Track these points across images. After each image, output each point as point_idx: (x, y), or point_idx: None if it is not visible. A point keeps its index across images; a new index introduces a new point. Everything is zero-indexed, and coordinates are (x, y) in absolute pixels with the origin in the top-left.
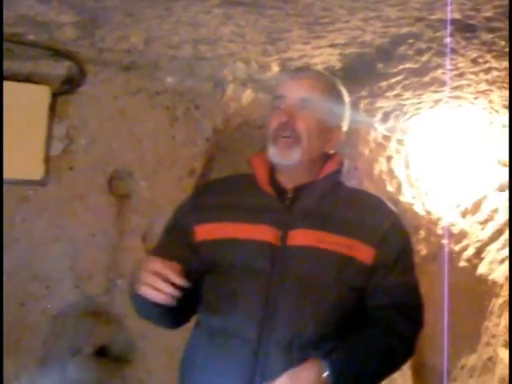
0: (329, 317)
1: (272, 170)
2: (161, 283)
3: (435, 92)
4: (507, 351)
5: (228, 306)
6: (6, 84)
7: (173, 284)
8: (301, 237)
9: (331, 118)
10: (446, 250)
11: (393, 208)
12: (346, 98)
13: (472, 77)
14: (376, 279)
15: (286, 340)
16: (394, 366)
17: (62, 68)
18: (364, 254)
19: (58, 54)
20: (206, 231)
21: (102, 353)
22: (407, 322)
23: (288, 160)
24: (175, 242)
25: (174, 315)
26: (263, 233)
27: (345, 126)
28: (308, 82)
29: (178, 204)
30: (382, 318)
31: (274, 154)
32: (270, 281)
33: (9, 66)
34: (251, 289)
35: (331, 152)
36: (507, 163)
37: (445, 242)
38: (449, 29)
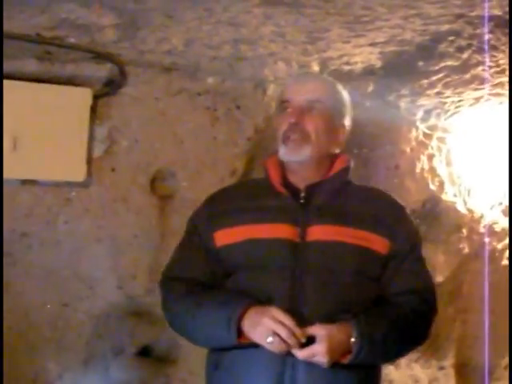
0: (351, 306)
1: (283, 171)
2: (286, 334)
3: (476, 89)
4: None
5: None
6: (48, 87)
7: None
8: (319, 232)
9: (336, 118)
10: (487, 248)
11: (400, 202)
12: (348, 97)
13: None
14: (392, 268)
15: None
16: (414, 343)
17: (103, 70)
18: (379, 245)
19: (99, 56)
20: (225, 236)
21: (144, 353)
22: (424, 304)
23: (299, 156)
24: (196, 254)
25: None
26: (283, 231)
27: (348, 125)
28: (311, 84)
29: (190, 216)
30: (401, 302)
31: (284, 153)
32: (294, 276)
33: (50, 69)
34: (276, 286)
35: (338, 152)
36: None
37: (487, 240)
38: (487, 25)
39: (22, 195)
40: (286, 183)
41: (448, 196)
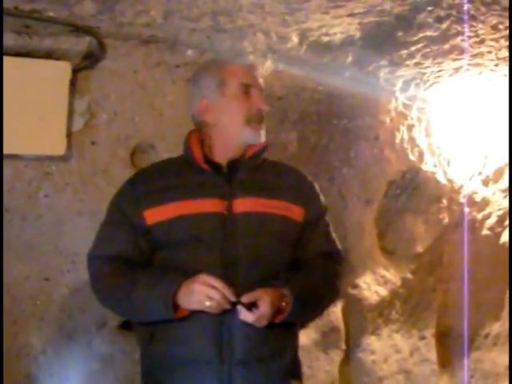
0: (277, 271)
1: (202, 147)
2: (220, 296)
3: (455, 60)
4: None
5: (191, 273)
6: (26, 61)
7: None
8: (245, 204)
9: None
10: (466, 218)
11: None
12: None
13: (492, 43)
14: (306, 234)
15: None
16: (332, 298)
17: (82, 43)
18: (297, 213)
19: (77, 29)
20: (157, 214)
21: (126, 325)
22: (336, 265)
23: (259, 140)
24: (123, 232)
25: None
26: (211, 205)
27: None
28: (259, 74)
29: (114, 196)
30: (317, 264)
31: (250, 135)
32: (225, 247)
33: (28, 42)
34: (209, 257)
35: None
36: None
37: (466, 210)
38: None
39: (4, 170)
40: (207, 159)
41: (428, 166)
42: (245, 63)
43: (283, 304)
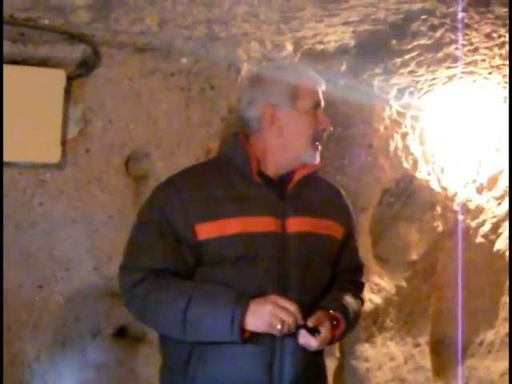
0: (322, 290)
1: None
2: (292, 320)
3: (449, 68)
4: None
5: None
6: (21, 68)
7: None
8: (297, 224)
9: None
10: (460, 226)
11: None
12: None
13: (486, 51)
14: (342, 249)
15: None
16: (360, 311)
17: (76, 51)
18: (338, 231)
19: (72, 37)
20: (211, 229)
21: (121, 333)
22: (360, 278)
23: (317, 162)
24: (167, 243)
25: None
26: (267, 224)
27: None
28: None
29: (152, 200)
30: (347, 279)
31: (311, 156)
32: (280, 267)
33: (23, 50)
34: (265, 277)
35: None
36: None
37: (460, 217)
38: (461, 4)
39: None
40: (259, 172)
41: (422, 174)
42: (318, 78)
43: (339, 331)
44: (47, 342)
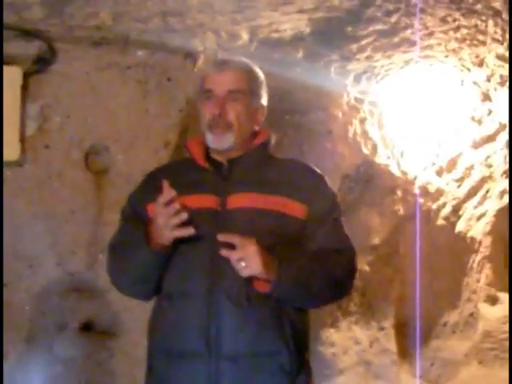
0: None
1: (207, 149)
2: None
3: (405, 52)
4: (488, 306)
5: (182, 269)
6: None
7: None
8: (238, 200)
9: (255, 101)
10: (420, 209)
11: (319, 171)
12: (263, 77)
13: (441, 35)
14: (310, 231)
15: (234, 293)
16: (333, 290)
17: (32, 48)
18: (297, 210)
19: (27, 33)
20: (153, 209)
21: (87, 328)
22: (343, 258)
23: (223, 145)
24: (131, 223)
25: (155, 282)
26: (205, 200)
27: (265, 103)
28: (231, 74)
29: (130, 192)
30: (318, 252)
31: (210, 140)
32: (215, 242)
33: None
34: (200, 252)
35: (257, 128)
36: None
37: (420, 201)
38: None
39: None
40: (209, 159)
41: (381, 159)
42: (217, 65)
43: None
44: (14, 339)
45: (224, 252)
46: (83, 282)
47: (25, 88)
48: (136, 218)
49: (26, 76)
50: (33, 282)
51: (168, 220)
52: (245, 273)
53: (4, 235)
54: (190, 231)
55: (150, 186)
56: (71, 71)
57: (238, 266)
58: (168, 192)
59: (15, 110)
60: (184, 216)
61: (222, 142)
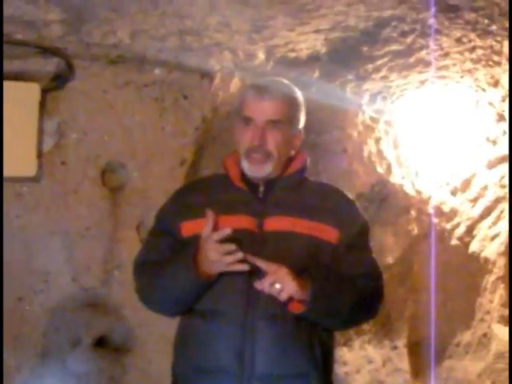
0: None
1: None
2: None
3: (421, 72)
4: (502, 327)
5: (219, 289)
6: None
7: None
8: (275, 223)
9: (294, 127)
10: (434, 228)
11: (350, 196)
12: (302, 99)
13: (457, 56)
14: (340, 256)
15: (269, 314)
16: (361, 316)
17: (50, 65)
18: (330, 235)
19: (46, 51)
20: (191, 227)
21: (101, 343)
22: (370, 282)
23: (261, 174)
24: (161, 241)
25: (191, 304)
26: (242, 221)
27: (303, 125)
28: (273, 103)
29: (160, 208)
30: (346, 276)
31: (247, 168)
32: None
33: None
34: (237, 273)
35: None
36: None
37: (435, 220)
38: (433, 10)
39: None
40: (245, 179)
41: (396, 178)
42: (259, 91)
43: (308, 288)
44: (28, 354)
45: (257, 284)
46: (98, 297)
47: (42, 104)
48: (167, 236)
49: (44, 92)
50: (48, 297)
51: (223, 257)
52: (282, 295)
53: (20, 250)
54: (245, 267)
55: (182, 204)
56: (88, 88)
57: (274, 290)
58: (211, 222)
59: (33, 126)
60: (240, 255)
61: (259, 172)
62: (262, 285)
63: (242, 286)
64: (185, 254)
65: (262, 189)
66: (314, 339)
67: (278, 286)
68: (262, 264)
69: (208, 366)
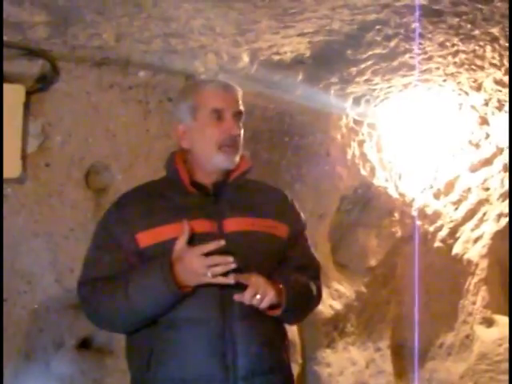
0: None
1: (187, 168)
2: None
3: (404, 76)
4: (484, 329)
5: (189, 297)
6: None
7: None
8: (234, 224)
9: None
10: (418, 231)
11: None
12: None
13: (440, 60)
14: (290, 248)
15: (244, 314)
16: (310, 307)
17: (35, 66)
18: (281, 230)
19: (31, 52)
20: (150, 237)
21: (84, 345)
22: (314, 278)
23: (232, 165)
24: (111, 254)
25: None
26: (202, 226)
27: None
28: (237, 95)
29: (100, 220)
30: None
31: (222, 160)
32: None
33: None
34: None
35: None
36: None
37: (418, 223)
38: (417, 14)
39: None
40: (193, 181)
41: (379, 181)
42: (220, 85)
43: (279, 298)
44: (11, 355)
45: (237, 297)
46: None
47: (27, 106)
48: (117, 249)
49: (29, 94)
50: (31, 299)
51: (212, 268)
52: (263, 304)
53: (4, 251)
54: (230, 280)
55: (132, 213)
56: (73, 90)
57: (255, 301)
58: (187, 232)
59: (17, 128)
60: (233, 265)
61: (232, 162)
62: (244, 297)
63: (214, 290)
64: (154, 265)
65: (211, 191)
66: (281, 333)
67: (258, 296)
68: (238, 277)
69: (191, 375)
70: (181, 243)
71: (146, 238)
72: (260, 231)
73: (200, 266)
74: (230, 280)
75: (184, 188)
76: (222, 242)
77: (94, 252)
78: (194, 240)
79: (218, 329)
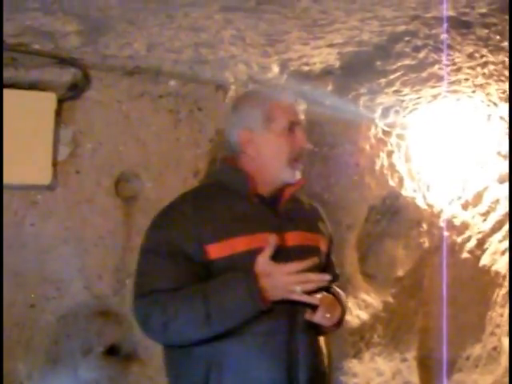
0: None
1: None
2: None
3: (433, 87)
4: None
5: None
6: (13, 92)
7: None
8: (294, 237)
9: None
10: (446, 242)
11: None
12: None
13: (469, 71)
14: (327, 260)
15: (306, 326)
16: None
17: (67, 75)
18: (323, 243)
19: (63, 61)
20: (222, 248)
21: (112, 352)
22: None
23: (295, 180)
24: (183, 268)
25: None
26: (267, 238)
27: None
28: (302, 106)
29: (159, 228)
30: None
31: (289, 175)
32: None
33: (15, 74)
34: None
35: None
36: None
37: (446, 234)
38: (445, 25)
39: None
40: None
41: (407, 191)
42: (293, 97)
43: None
44: (39, 361)
45: (308, 315)
46: (109, 306)
47: (58, 114)
48: (185, 260)
49: (60, 102)
50: (60, 305)
51: (303, 285)
52: (330, 322)
53: (32, 258)
54: (315, 300)
55: (197, 221)
56: (104, 99)
57: (325, 320)
58: (273, 247)
59: (48, 135)
60: (323, 283)
61: (296, 178)
62: (316, 317)
63: (284, 303)
64: (237, 280)
65: (269, 202)
66: (322, 342)
67: (328, 315)
68: (308, 299)
69: None
70: (266, 256)
71: (219, 250)
72: (312, 245)
73: (293, 283)
74: (316, 300)
75: (247, 197)
76: (317, 260)
77: (154, 261)
78: (256, 252)
79: (284, 341)
